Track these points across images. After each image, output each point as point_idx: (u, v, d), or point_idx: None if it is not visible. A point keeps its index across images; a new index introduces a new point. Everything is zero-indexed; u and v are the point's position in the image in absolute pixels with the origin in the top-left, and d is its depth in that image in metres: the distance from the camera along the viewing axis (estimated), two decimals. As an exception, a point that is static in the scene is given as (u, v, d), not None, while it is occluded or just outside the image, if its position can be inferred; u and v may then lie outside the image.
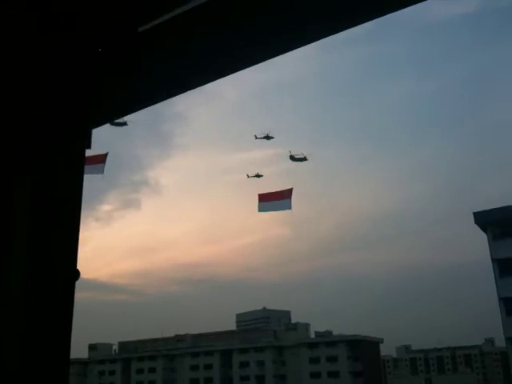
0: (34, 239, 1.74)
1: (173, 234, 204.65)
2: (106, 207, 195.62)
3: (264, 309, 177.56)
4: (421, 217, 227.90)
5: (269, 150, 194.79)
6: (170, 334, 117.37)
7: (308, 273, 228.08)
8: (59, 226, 1.83)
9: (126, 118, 53.65)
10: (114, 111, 2.30)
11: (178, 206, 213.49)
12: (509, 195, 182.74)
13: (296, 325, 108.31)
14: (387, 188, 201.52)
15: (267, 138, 63.12)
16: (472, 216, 58.69)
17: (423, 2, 1.86)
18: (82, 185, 1.95)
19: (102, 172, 28.76)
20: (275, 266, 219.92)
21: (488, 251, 57.15)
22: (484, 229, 58.11)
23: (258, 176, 59.80)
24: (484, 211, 57.91)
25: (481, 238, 59.04)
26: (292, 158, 57.38)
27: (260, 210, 31.99)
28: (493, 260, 56.21)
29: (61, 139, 1.92)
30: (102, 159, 28.85)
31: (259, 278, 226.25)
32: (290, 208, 32.16)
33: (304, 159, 57.67)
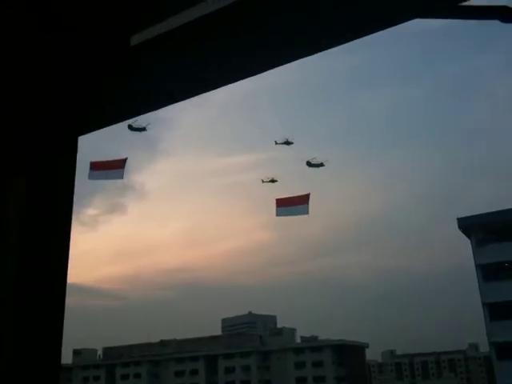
0: (26, 241, 1.72)
1: (158, 238, 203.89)
2: (91, 211, 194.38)
3: (250, 313, 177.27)
4: (406, 221, 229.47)
5: (253, 154, 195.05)
6: (155, 339, 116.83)
7: (294, 277, 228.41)
8: (51, 228, 1.81)
9: (144, 124, 52.71)
10: (102, 120, 2.30)
11: (163, 210, 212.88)
12: (492, 201, 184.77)
13: (282, 330, 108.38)
14: (372, 192, 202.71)
15: (287, 143, 62.79)
16: (456, 221, 59.37)
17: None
18: (73, 187, 1.94)
19: (122, 177, 29.02)
20: (261, 270, 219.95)
21: (471, 257, 57.74)
22: (468, 234, 58.69)
23: (272, 181, 59.11)
24: (468, 217, 58.52)
25: (464, 244, 59.74)
26: (309, 163, 57.07)
27: (278, 214, 33.06)
28: (476, 265, 56.76)
29: (55, 142, 1.91)
30: (121, 164, 29.04)
31: (245, 282, 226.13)
32: (307, 213, 33.29)
33: (321, 165, 57.42)
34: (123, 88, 2.14)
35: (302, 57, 1.92)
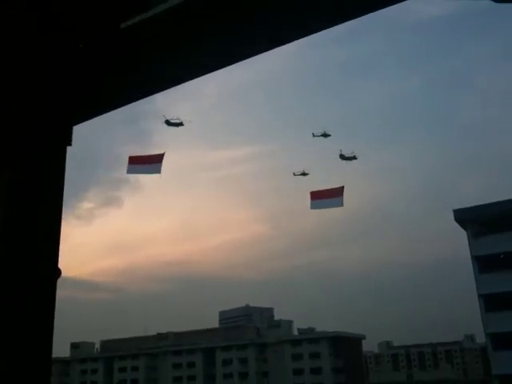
0: (12, 236, 1.70)
1: (154, 231, 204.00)
2: (86, 205, 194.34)
3: (247, 306, 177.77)
4: (403, 214, 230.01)
5: (247, 148, 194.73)
6: (153, 332, 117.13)
7: (291, 269, 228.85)
8: (39, 222, 1.78)
9: (182, 118, 51.48)
10: (96, 108, 2.31)
11: (158, 203, 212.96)
12: (488, 193, 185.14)
13: (279, 322, 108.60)
14: (369, 185, 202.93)
15: (324, 135, 62.42)
16: (452, 213, 59.46)
17: (406, 2, 1.91)
18: (63, 181, 1.93)
19: (159, 172, 29.30)
20: (258, 262, 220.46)
21: (468, 248, 57.88)
22: (464, 226, 58.81)
23: (303, 174, 59.06)
24: (464, 209, 58.60)
25: (461, 236, 59.89)
26: (342, 156, 57.08)
27: (312, 207, 33.66)
28: (472, 257, 56.91)
29: (43, 135, 1.89)
30: (159, 159, 29.36)
31: (242, 275, 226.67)
32: (341, 205, 33.98)
33: (354, 158, 57.44)
34: (115, 76, 2.13)
35: (291, 40, 1.92)
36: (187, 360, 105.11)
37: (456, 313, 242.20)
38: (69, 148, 2.33)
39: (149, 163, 29.02)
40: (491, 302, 54.39)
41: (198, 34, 1.86)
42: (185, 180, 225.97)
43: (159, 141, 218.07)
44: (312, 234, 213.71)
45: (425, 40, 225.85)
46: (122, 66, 2.05)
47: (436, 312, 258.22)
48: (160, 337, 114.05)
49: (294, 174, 58.49)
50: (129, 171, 29.56)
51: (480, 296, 55.38)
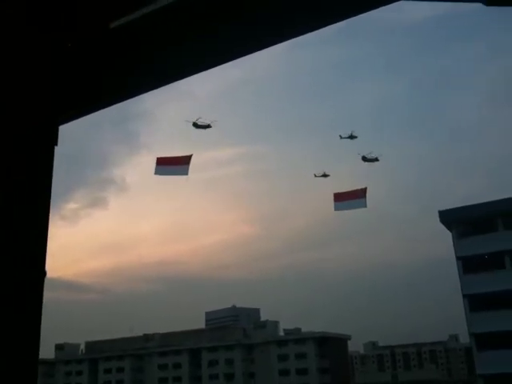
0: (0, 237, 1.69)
1: (141, 232, 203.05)
2: (72, 205, 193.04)
3: (233, 307, 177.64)
4: (390, 215, 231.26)
5: (234, 148, 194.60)
6: (139, 333, 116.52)
7: (277, 271, 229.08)
8: (27, 223, 1.77)
9: (210, 120, 51.87)
10: (84, 108, 2.30)
11: (145, 204, 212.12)
12: (473, 194, 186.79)
13: (265, 322, 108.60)
14: (357, 185, 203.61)
15: (351, 137, 62.61)
16: (438, 214, 59.90)
17: (396, 3, 1.90)
18: (50, 181, 1.92)
19: (187, 173, 29.41)
20: (245, 264, 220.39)
21: (453, 249, 58.37)
22: (449, 227, 59.31)
23: (324, 176, 59.51)
24: (449, 210, 59.08)
25: (446, 236, 60.38)
26: (364, 158, 57.59)
27: (336, 209, 34.09)
28: (457, 258, 57.40)
29: (30, 135, 1.88)
30: (186, 161, 29.47)
31: (229, 275, 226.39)
32: (365, 206, 34.40)
33: (376, 160, 57.97)
34: (103, 75, 2.12)
35: (288, 38, 1.93)
36: (173, 361, 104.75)
37: (441, 313, 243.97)
38: (55, 148, 2.32)
39: (176, 164, 29.16)
40: (475, 302, 54.89)
41: (187, 33, 1.84)
42: (173, 181, 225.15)
43: (146, 140, 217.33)
44: (302, 235, 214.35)
45: (415, 41, 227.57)
46: (110, 65, 2.04)
47: (422, 312, 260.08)
48: (146, 338, 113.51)
49: (315, 176, 59.24)
50: (157, 172, 29.79)
51: (464, 296, 55.87)
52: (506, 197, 56.25)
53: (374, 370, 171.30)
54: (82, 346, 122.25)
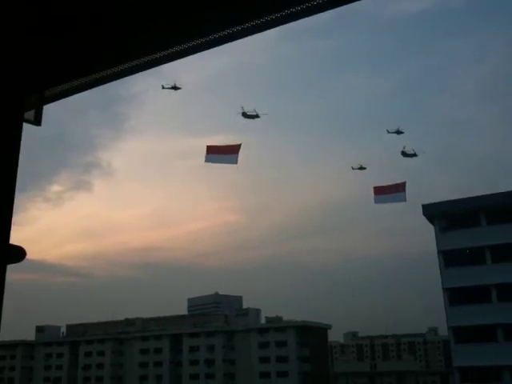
0: None
1: (125, 217, 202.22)
2: (55, 188, 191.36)
3: (216, 294, 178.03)
4: (373, 207, 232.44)
5: (221, 136, 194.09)
6: (120, 317, 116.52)
7: (261, 259, 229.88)
8: None
9: (257, 111, 52.49)
10: (68, 87, 2.26)
11: (130, 189, 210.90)
12: (456, 189, 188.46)
13: (247, 310, 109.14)
14: (341, 177, 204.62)
15: (398, 132, 62.95)
16: (421, 208, 60.38)
17: None
18: (17, 157, 1.88)
19: (236, 162, 29.63)
20: (228, 251, 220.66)
21: (435, 243, 58.94)
22: (431, 221, 59.84)
23: (361, 168, 60.04)
24: (432, 204, 59.57)
25: (428, 230, 60.93)
26: (404, 153, 58.17)
27: (376, 202, 35.03)
28: (438, 251, 58.01)
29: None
30: (235, 150, 29.58)
31: (212, 263, 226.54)
32: (404, 200, 35.53)
33: (415, 155, 58.73)
34: (89, 54, 2.09)
35: (278, 24, 1.89)
36: (154, 346, 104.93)
37: (423, 306, 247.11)
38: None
39: (225, 153, 29.34)
40: (455, 296, 55.62)
41: (173, 13, 1.83)
42: (158, 167, 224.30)
43: (133, 125, 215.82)
44: (286, 226, 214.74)
45: (401, 37, 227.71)
46: (95, 43, 2.02)
47: (404, 305, 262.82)
48: (127, 322, 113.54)
49: (353, 168, 59.99)
50: (207, 160, 30.06)
51: (445, 290, 56.54)
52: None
53: (354, 359, 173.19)
54: (63, 329, 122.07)
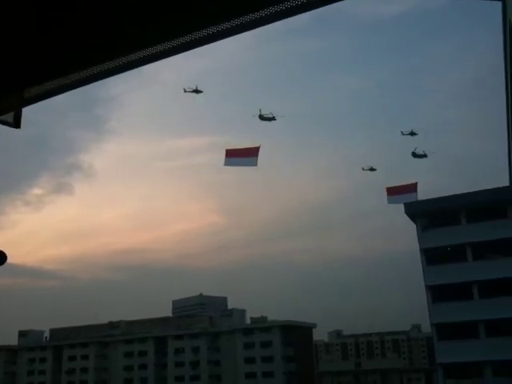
0: None
1: (107, 219, 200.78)
2: (36, 191, 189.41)
3: (200, 295, 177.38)
4: (356, 206, 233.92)
5: (202, 138, 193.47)
6: (104, 320, 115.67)
7: (245, 260, 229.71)
8: None
9: (274, 113, 52.70)
10: (47, 88, 2.24)
11: (112, 191, 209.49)
12: (437, 188, 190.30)
13: (232, 311, 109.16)
14: (325, 177, 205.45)
15: (411, 134, 63.22)
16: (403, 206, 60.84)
17: None
18: None
19: (256, 164, 29.62)
20: (212, 253, 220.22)
21: (417, 241, 59.49)
22: (413, 219, 60.38)
23: (371, 169, 60.73)
24: (414, 202, 59.92)
25: (410, 228, 61.46)
26: (414, 154, 58.96)
27: (389, 202, 36.20)
28: (421, 249, 58.56)
29: None
30: (255, 152, 29.53)
31: (196, 264, 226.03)
32: (416, 199, 37.18)
33: (424, 156, 59.50)
34: (68, 55, 2.07)
35: (265, 23, 1.93)
36: (139, 349, 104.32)
37: (406, 303, 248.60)
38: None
39: (245, 156, 29.28)
40: (437, 294, 56.21)
41: (154, 15, 1.81)
42: (140, 168, 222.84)
43: (114, 127, 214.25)
44: (272, 226, 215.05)
45: (384, 37, 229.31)
46: (75, 43, 2.01)
47: (388, 302, 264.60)
48: (111, 325, 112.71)
49: (363, 169, 60.66)
50: (226, 163, 29.95)
51: (427, 287, 57.10)
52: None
53: (338, 358, 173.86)
54: (47, 333, 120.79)
